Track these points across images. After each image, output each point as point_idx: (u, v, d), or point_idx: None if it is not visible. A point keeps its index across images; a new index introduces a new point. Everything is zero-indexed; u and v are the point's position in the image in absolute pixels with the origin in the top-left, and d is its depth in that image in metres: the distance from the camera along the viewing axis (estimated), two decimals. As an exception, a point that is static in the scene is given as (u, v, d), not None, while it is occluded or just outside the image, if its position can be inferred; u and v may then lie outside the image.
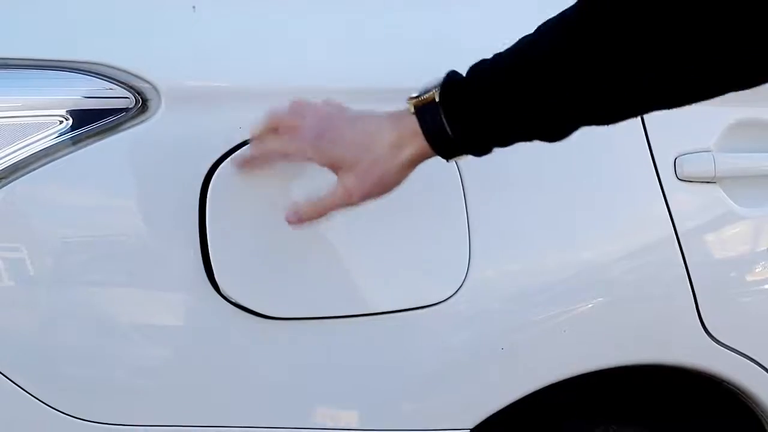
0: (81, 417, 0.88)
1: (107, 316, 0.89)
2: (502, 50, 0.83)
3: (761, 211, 1.22)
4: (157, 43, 0.92)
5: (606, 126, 0.83)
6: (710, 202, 1.18)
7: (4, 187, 0.85)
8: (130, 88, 0.89)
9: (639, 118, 1.12)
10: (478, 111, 0.83)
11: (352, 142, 0.87)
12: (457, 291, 1.01)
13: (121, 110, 0.89)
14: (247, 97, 0.93)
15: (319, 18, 0.99)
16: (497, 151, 0.86)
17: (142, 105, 0.89)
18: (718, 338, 1.18)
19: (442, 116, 0.84)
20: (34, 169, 0.86)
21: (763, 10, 0.71)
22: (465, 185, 1.01)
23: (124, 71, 0.89)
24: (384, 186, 0.88)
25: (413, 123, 0.85)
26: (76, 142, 0.87)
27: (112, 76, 0.88)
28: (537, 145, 0.88)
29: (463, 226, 1.01)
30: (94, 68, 0.88)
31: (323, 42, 0.98)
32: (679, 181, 1.15)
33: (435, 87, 0.85)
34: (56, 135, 0.87)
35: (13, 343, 0.87)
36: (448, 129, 0.84)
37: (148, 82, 0.89)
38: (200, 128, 0.91)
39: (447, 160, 0.87)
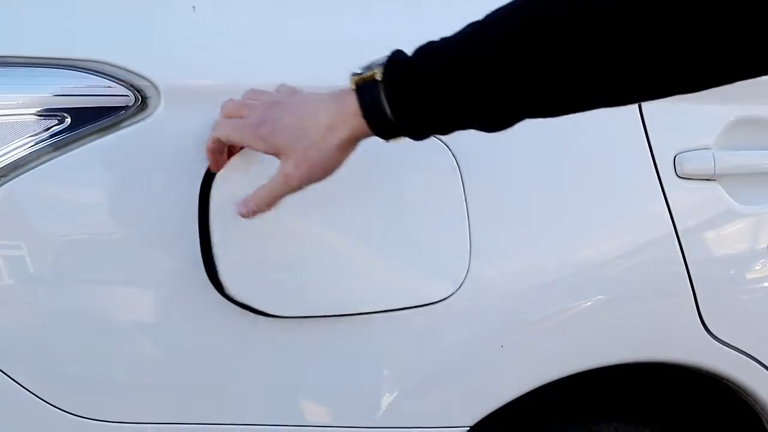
0: (83, 415, 0.88)
1: (108, 315, 0.89)
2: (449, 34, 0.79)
3: (761, 208, 1.22)
4: (156, 41, 0.92)
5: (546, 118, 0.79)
6: (710, 199, 1.18)
7: (4, 186, 0.85)
8: (129, 86, 0.89)
9: (639, 117, 1.12)
10: (422, 93, 0.79)
11: (289, 126, 0.84)
12: (457, 289, 1.01)
13: (120, 108, 0.88)
14: (247, 95, 0.92)
15: (319, 17, 0.99)
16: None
17: (141, 103, 0.89)
18: (717, 336, 1.18)
19: (383, 96, 0.80)
20: (34, 168, 0.86)
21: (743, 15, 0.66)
22: (465, 184, 1.01)
23: (124, 69, 0.88)
24: (322, 169, 0.85)
25: (353, 101, 0.82)
26: (75, 140, 0.87)
27: (112, 74, 0.88)
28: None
29: (464, 224, 1.01)
30: (93, 66, 0.87)
31: (323, 41, 0.98)
32: (679, 179, 1.14)
33: (379, 64, 0.81)
34: (55, 133, 0.86)
35: (14, 342, 0.87)
36: (387, 109, 0.80)
37: (147, 80, 0.89)
38: (200, 126, 0.91)
39: (386, 141, 0.84)
